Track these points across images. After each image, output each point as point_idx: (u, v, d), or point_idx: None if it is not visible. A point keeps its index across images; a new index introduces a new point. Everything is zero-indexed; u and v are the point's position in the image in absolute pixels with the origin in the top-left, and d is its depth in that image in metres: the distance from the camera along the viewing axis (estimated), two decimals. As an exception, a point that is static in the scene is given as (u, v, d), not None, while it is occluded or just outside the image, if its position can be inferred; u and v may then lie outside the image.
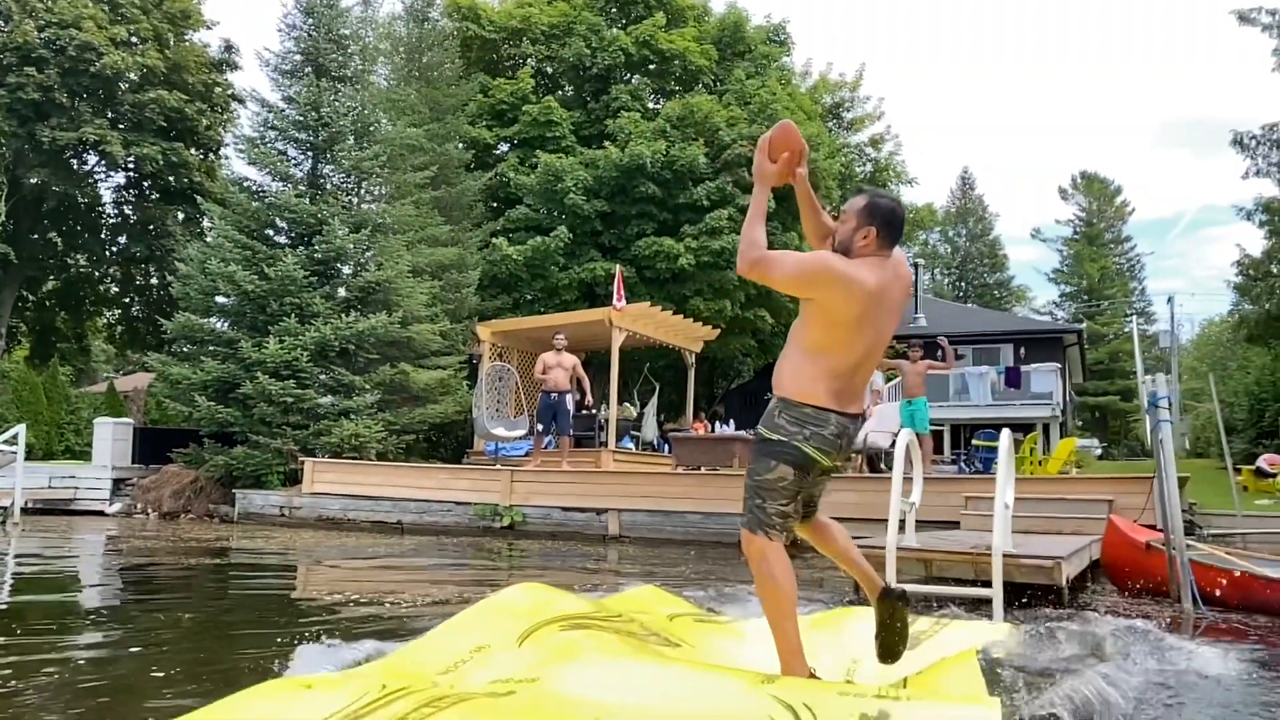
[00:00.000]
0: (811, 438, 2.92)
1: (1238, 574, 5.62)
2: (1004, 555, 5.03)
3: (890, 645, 3.09)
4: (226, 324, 16.05)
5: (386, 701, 2.25)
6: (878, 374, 13.63)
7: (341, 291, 16.18)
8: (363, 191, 17.86)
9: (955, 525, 8.61)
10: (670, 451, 15.65)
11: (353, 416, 14.94)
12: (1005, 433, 5.54)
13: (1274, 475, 14.50)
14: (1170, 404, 5.71)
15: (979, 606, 5.06)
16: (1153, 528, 6.99)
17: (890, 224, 3.01)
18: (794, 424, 2.93)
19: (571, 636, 3.06)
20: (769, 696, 2.37)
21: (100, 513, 14.92)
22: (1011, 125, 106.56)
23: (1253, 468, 15.50)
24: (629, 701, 2.43)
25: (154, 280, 29.02)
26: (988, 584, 4.96)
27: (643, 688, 2.52)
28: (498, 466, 13.58)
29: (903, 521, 5.73)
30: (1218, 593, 5.65)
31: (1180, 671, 3.77)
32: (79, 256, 28.26)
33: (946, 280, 59.80)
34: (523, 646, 2.99)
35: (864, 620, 4.18)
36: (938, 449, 20.69)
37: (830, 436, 2.93)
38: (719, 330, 18.94)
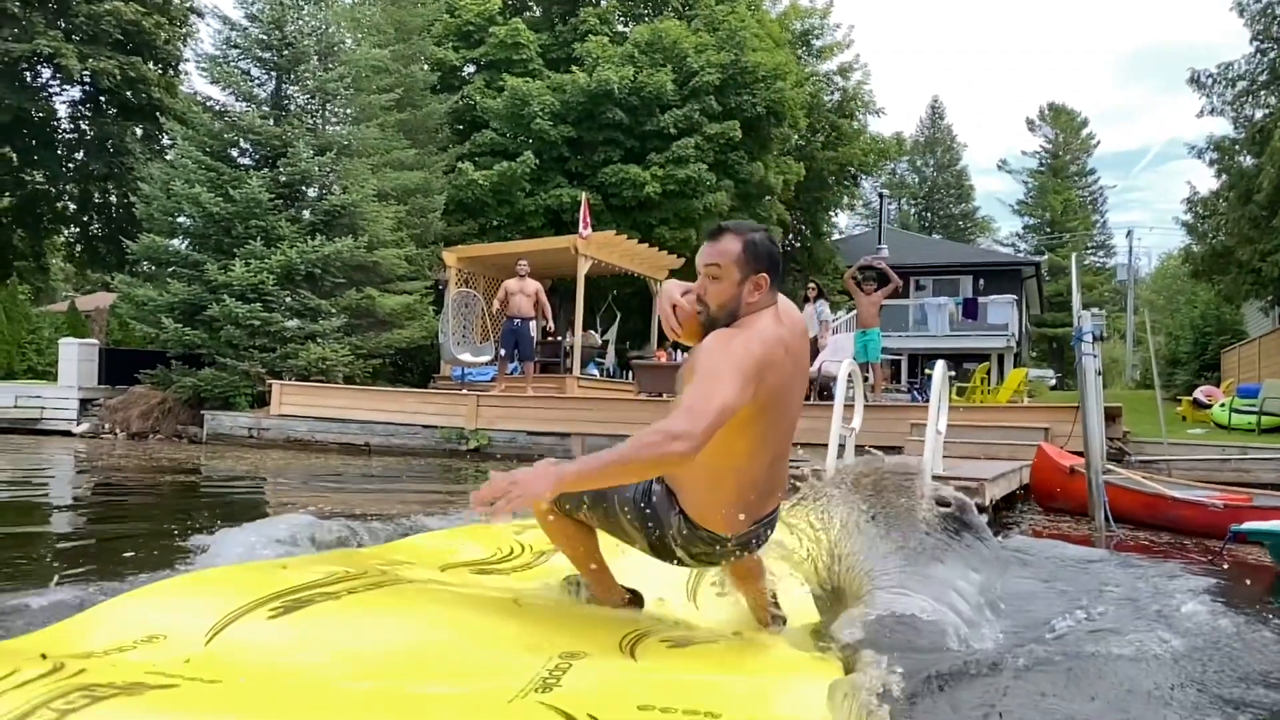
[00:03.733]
0: (696, 554, 2.43)
1: (1148, 494, 6.10)
2: (933, 477, 5.44)
3: None
4: (191, 246, 16.02)
5: (346, 582, 2.48)
6: (824, 304, 14.00)
7: (307, 215, 16.17)
8: (327, 113, 17.68)
9: (899, 450, 9.07)
10: (632, 378, 16.02)
11: (319, 340, 15.11)
12: (939, 364, 5.92)
13: (1210, 406, 15.17)
14: (1095, 339, 6.09)
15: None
16: (1080, 453, 7.47)
17: (776, 262, 2.38)
18: (684, 540, 2.39)
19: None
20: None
21: (68, 433, 15.06)
22: (983, 55, 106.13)
23: (1191, 398, 16.20)
24: None
25: (113, 198, 28.53)
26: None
27: None
28: (464, 391, 13.87)
29: (843, 445, 6.11)
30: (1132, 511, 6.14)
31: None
32: (35, 173, 27.64)
33: (913, 210, 60.19)
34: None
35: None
36: (895, 377, 21.25)
37: (719, 554, 2.42)
38: (684, 259, 19.17)
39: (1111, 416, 9.99)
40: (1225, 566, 4.70)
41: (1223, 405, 14.14)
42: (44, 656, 1.87)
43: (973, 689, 2.42)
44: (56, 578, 3.47)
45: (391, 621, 2.30)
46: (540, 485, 1.98)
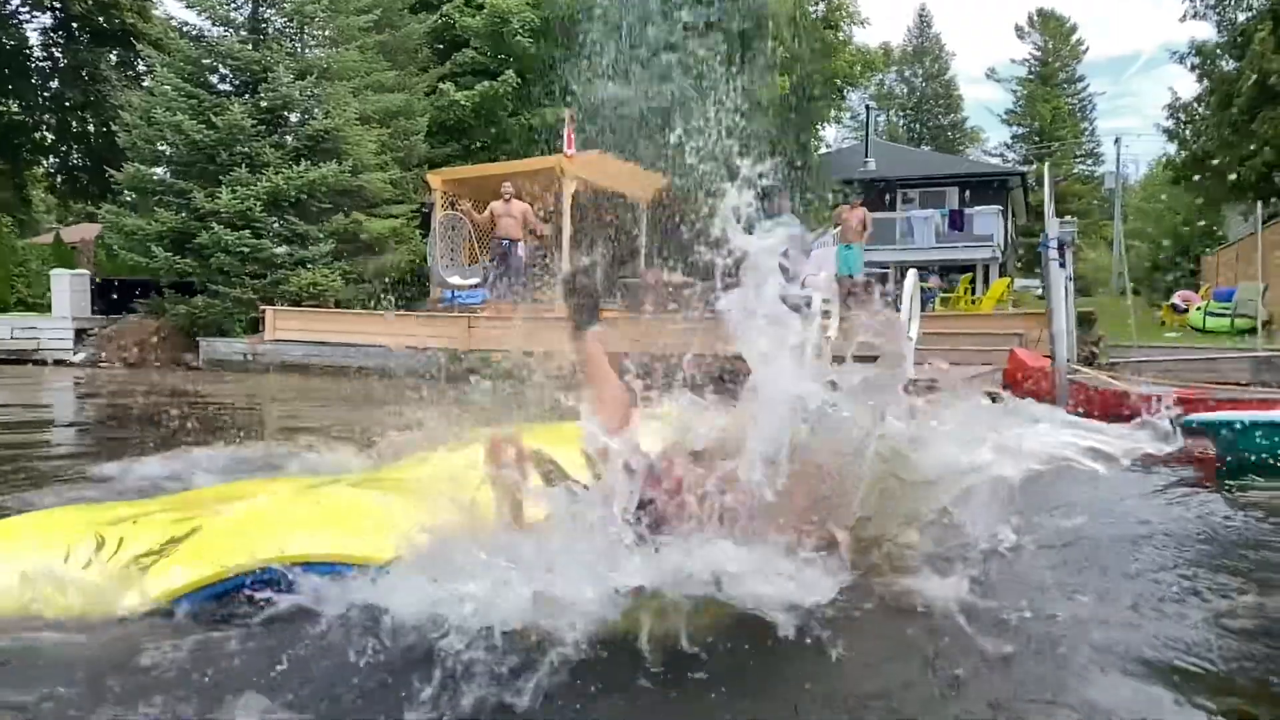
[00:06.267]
0: None
1: (1108, 391, 6.42)
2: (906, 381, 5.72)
3: None
4: (176, 174, 16.01)
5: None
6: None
7: (290, 140, 16.13)
8: (306, 37, 17.46)
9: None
10: (620, 299, 16.21)
11: (309, 266, 15.24)
12: (911, 274, 6.16)
13: (1186, 310, 15.50)
14: (1061, 247, 6.32)
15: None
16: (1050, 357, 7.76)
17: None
18: None
19: None
20: None
21: (65, 362, 15.24)
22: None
23: (1169, 303, 16.52)
24: None
25: (91, 127, 28.22)
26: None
27: None
28: (455, 313, 14.07)
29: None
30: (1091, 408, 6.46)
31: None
32: (10, 103, 27.27)
33: (901, 122, 59.65)
34: None
35: None
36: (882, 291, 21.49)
37: None
38: (668, 177, 19.16)
39: (1085, 321, 10.30)
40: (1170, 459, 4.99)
41: (1199, 309, 14.47)
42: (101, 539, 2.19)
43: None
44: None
45: (384, 496, 2.72)
46: None
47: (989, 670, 1.90)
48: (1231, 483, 4.39)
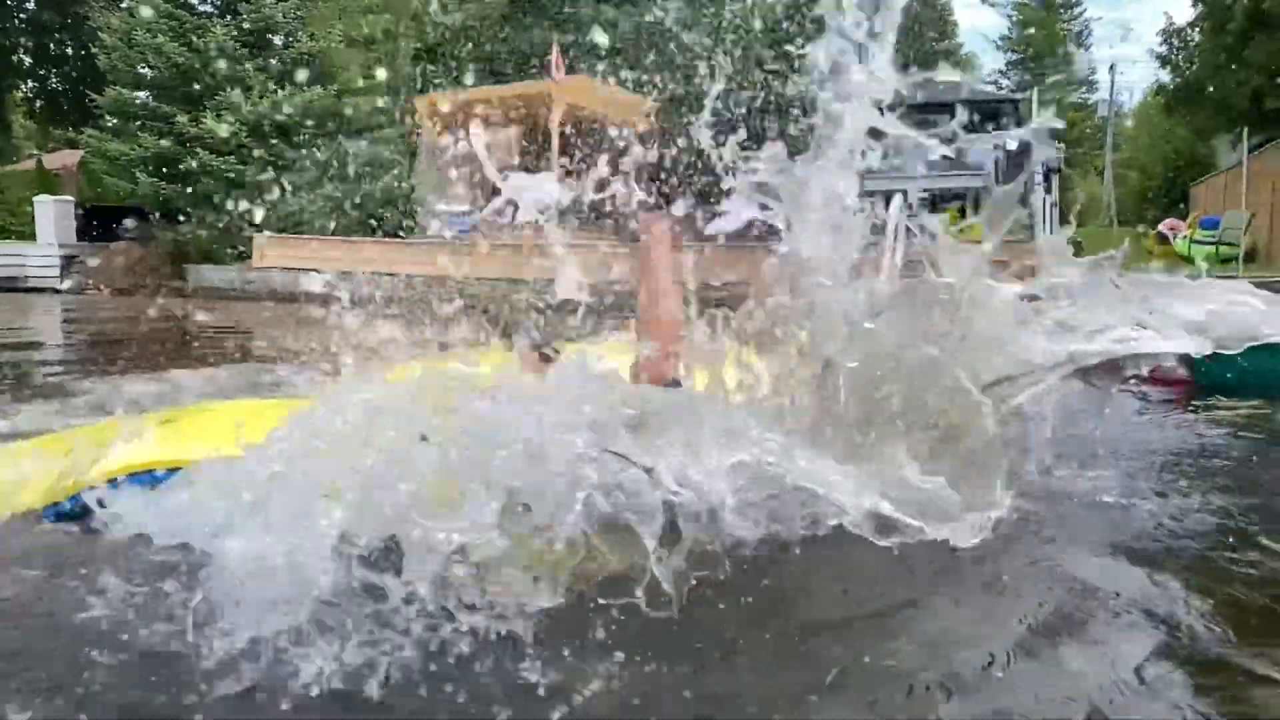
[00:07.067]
0: None
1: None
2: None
3: None
4: (159, 98, 15.77)
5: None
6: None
7: (274, 63, 15.87)
8: (287, -46, 17.07)
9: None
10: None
11: (296, 192, 15.12)
12: (896, 199, 6.19)
13: (1172, 238, 15.56)
14: (1046, 173, 6.37)
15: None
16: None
17: None
18: None
19: None
20: None
21: (53, 290, 15.21)
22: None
23: (1156, 232, 16.57)
24: None
25: (70, 51, 27.66)
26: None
27: None
28: (444, 240, 14.02)
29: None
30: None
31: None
32: (-15, 24, 26.72)
33: (894, 48, 58.64)
34: None
35: None
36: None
37: None
38: (658, 104, 18.93)
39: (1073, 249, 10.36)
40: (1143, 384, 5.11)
41: (1183, 238, 14.52)
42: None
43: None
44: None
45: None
46: None
47: (972, 558, 2.03)
48: (1198, 402, 4.53)
